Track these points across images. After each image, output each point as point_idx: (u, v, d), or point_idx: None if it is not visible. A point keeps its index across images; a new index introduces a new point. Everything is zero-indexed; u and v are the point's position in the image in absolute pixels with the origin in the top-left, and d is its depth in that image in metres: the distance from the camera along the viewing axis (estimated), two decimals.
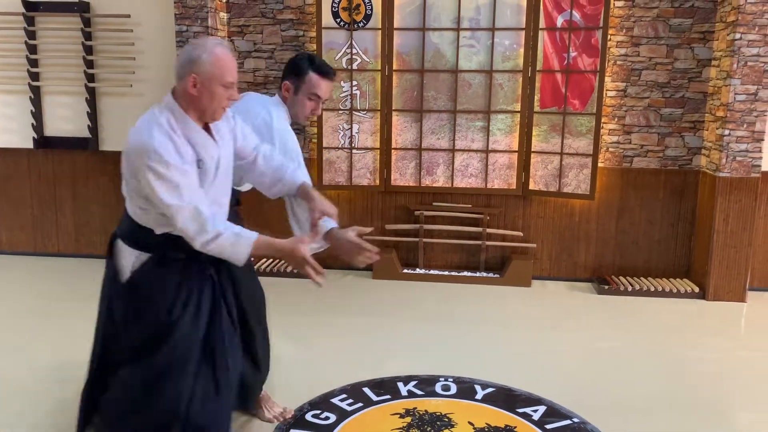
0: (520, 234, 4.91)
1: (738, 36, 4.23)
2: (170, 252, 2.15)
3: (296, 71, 2.61)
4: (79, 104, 5.08)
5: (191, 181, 2.02)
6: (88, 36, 4.95)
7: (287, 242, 2.12)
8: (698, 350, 3.67)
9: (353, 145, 4.89)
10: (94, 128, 5.08)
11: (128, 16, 4.89)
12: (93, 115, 5.07)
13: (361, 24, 4.73)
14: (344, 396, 2.99)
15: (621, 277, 4.80)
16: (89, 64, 4.99)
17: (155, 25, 4.91)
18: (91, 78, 5.00)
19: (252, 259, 2.38)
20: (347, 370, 3.26)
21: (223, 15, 4.85)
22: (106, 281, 2.30)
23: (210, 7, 4.58)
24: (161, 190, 1.96)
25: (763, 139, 4.33)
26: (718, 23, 4.51)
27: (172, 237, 2.11)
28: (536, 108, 4.74)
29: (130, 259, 2.19)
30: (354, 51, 4.76)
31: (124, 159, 2.04)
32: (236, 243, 2.06)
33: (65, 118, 5.15)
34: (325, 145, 4.89)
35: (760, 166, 4.37)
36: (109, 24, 4.96)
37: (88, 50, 4.96)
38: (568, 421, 2.81)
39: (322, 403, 2.93)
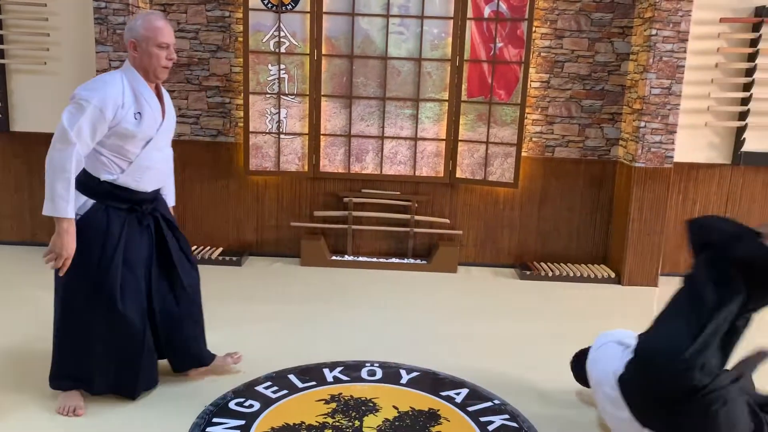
0: (447, 221, 4.99)
1: (654, 32, 4.41)
2: (112, 201, 2.59)
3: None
4: None
5: (96, 126, 2.45)
6: None
7: (70, 235, 2.47)
8: None
9: (281, 130, 4.82)
10: (4, 107, 4.80)
11: None
12: (3, 94, 4.79)
13: (289, 6, 4.65)
14: (269, 384, 2.97)
15: (542, 263, 4.95)
16: None
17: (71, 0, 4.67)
18: (0, 54, 4.71)
19: None
20: (273, 358, 3.24)
21: None
22: None
23: None
24: (70, 117, 2.40)
25: (675, 132, 4.55)
26: (636, 19, 4.69)
27: (116, 186, 2.57)
28: (463, 97, 4.81)
29: (78, 203, 2.51)
30: (282, 34, 4.68)
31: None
32: (55, 191, 2.40)
33: None
34: (251, 129, 4.79)
35: (672, 157, 4.59)
36: None
37: None
38: (489, 403, 2.89)
39: (246, 391, 2.90)
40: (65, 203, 2.42)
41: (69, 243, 2.46)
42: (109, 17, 4.42)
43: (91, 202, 2.58)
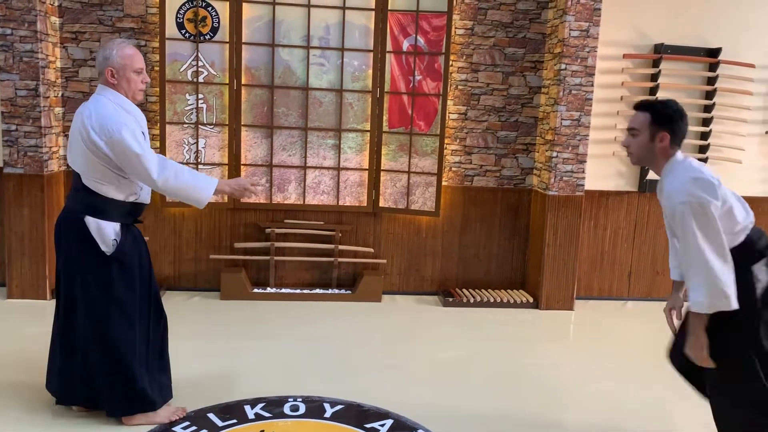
0: (371, 250, 5.00)
1: (563, 66, 4.64)
2: (125, 220, 2.73)
3: None
4: None
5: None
6: None
7: (229, 182, 2.88)
8: (532, 357, 3.94)
9: (199, 160, 4.73)
10: None
11: None
12: None
13: (207, 36, 4.60)
14: (187, 424, 2.86)
15: (464, 290, 5.04)
16: None
17: None
18: None
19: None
20: (191, 397, 3.12)
21: (55, 20, 4.50)
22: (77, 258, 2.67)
23: (39, 10, 4.24)
24: (133, 144, 2.55)
25: (585, 161, 4.77)
26: (546, 54, 4.92)
27: (136, 204, 2.75)
28: (385, 128, 4.88)
29: (110, 231, 2.65)
30: (200, 63, 4.62)
31: (91, 136, 2.55)
32: (197, 177, 2.70)
33: None
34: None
35: (583, 185, 4.80)
36: None
37: None
38: None
39: None
40: (203, 178, 2.73)
41: (237, 182, 2.86)
42: (15, 44, 4.23)
43: (118, 224, 2.71)
